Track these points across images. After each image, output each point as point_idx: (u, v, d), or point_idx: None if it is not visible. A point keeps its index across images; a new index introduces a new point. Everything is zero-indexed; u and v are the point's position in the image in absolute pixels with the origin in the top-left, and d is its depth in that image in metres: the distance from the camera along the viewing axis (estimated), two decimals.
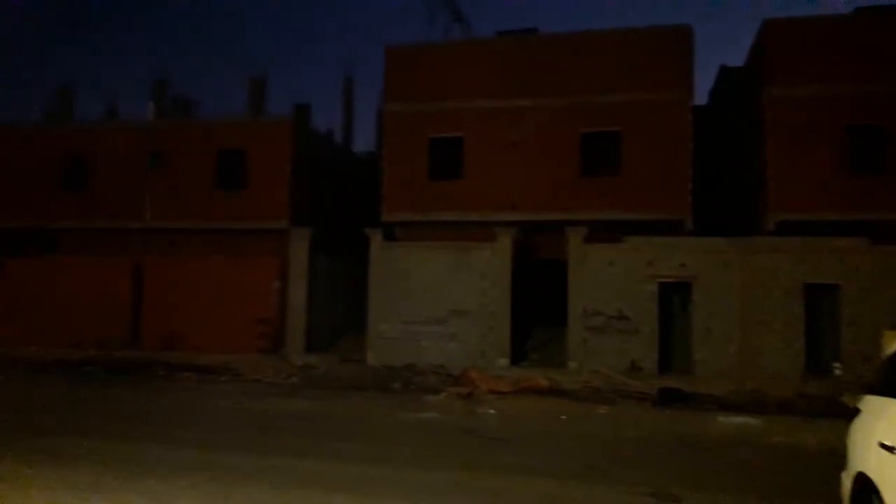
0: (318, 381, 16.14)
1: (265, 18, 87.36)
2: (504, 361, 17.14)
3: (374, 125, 26.43)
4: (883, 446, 4.38)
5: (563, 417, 11.99)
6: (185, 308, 20.00)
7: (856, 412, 5.36)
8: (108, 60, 79.49)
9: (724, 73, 22.89)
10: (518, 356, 17.71)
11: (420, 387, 15.13)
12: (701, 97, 22.67)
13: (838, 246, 15.68)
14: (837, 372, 15.11)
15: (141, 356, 18.72)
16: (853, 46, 17.10)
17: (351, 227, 19.86)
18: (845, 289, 15.53)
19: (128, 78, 73.87)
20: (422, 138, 19.76)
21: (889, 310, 14.99)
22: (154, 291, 20.51)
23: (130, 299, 20.72)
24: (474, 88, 19.50)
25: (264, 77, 24.54)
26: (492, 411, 12.43)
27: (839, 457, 5.50)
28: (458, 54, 20.53)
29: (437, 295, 17.86)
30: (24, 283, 21.36)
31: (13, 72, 75.80)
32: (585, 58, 19.03)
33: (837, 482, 5.38)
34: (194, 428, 10.29)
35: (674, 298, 16.67)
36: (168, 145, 21.60)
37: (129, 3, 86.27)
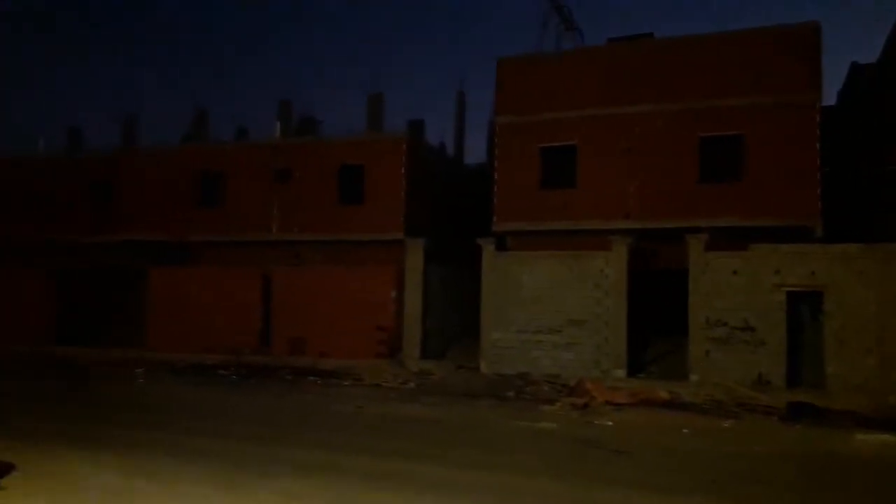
0: (434, 388, 16.52)
1: (380, 34, 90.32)
2: (620, 372, 16.86)
3: (485, 136, 26.80)
4: None
5: (685, 431, 11.66)
6: (310, 315, 21.07)
7: None
8: (239, 84, 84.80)
9: (856, 70, 21.51)
10: (635, 367, 17.36)
11: (534, 396, 15.16)
12: (829, 97, 21.46)
13: None
14: None
15: (269, 361, 19.91)
16: None
17: (463, 237, 20.22)
18: None
19: (257, 99, 78.47)
20: (533, 148, 19.84)
21: None
22: (281, 300, 21.73)
23: (260, 307, 22.05)
24: (586, 96, 19.39)
25: (381, 94, 25.48)
26: (609, 423, 12.26)
27: None
28: (569, 63, 20.48)
29: (549, 304, 17.85)
30: (164, 291, 23.19)
31: (154, 100, 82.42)
32: (703, 61, 18.49)
33: None
34: (319, 430, 10.87)
35: (803, 309, 15.82)
36: (293, 162, 22.85)
37: (256, 31, 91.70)
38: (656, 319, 18.31)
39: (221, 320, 21.94)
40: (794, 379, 15.53)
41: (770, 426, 12.22)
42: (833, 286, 15.31)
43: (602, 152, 19.12)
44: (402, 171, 21.46)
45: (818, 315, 15.54)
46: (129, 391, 15.77)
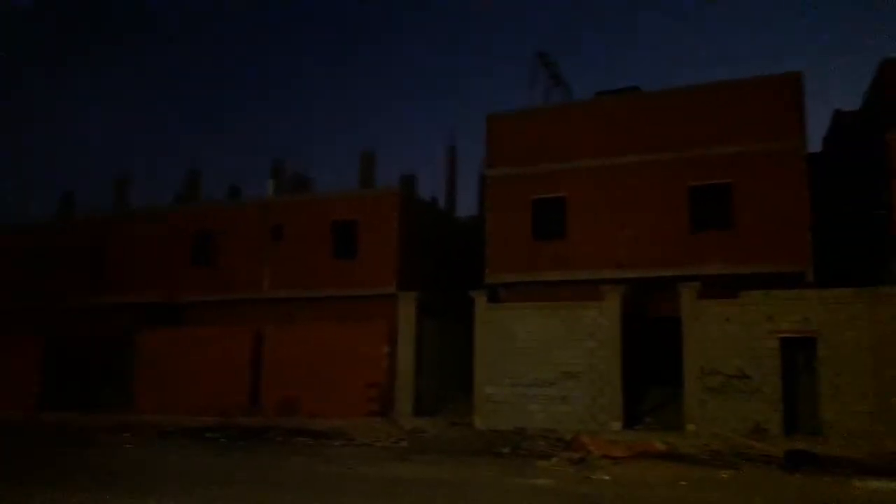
0: (427, 445, 16.20)
1: (372, 93, 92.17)
2: (617, 425, 16.59)
3: (476, 190, 27.04)
4: None
5: (682, 484, 11.41)
6: (301, 373, 20.82)
7: None
8: (232, 143, 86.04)
9: (839, 117, 21.92)
10: (632, 419, 17.11)
11: (530, 451, 14.86)
12: (815, 144, 21.81)
13: None
14: None
15: (260, 422, 19.54)
16: None
17: (456, 290, 20.19)
18: None
19: (249, 158, 79.44)
20: (524, 200, 20.02)
21: None
22: (272, 358, 21.52)
23: (250, 366, 21.79)
24: (576, 149, 19.68)
25: (373, 151, 25.85)
26: (606, 477, 12.00)
27: None
28: (558, 117, 20.88)
29: (544, 356, 17.69)
30: (152, 353, 22.96)
31: (146, 161, 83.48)
32: (690, 112, 18.87)
33: None
34: (307, 493, 10.57)
35: (797, 355, 15.70)
36: (286, 219, 22.98)
37: (249, 92, 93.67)
38: (651, 369, 18.16)
39: (211, 381, 21.67)
40: (791, 426, 15.30)
41: (769, 476, 11.96)
42: (826, 331, 15.23)
43: (593, 203, 19.30)
44: (395, 225, 21.58)
45: (812, 361, 15.41)
46: (109, 456, 15.36)
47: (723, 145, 18.18)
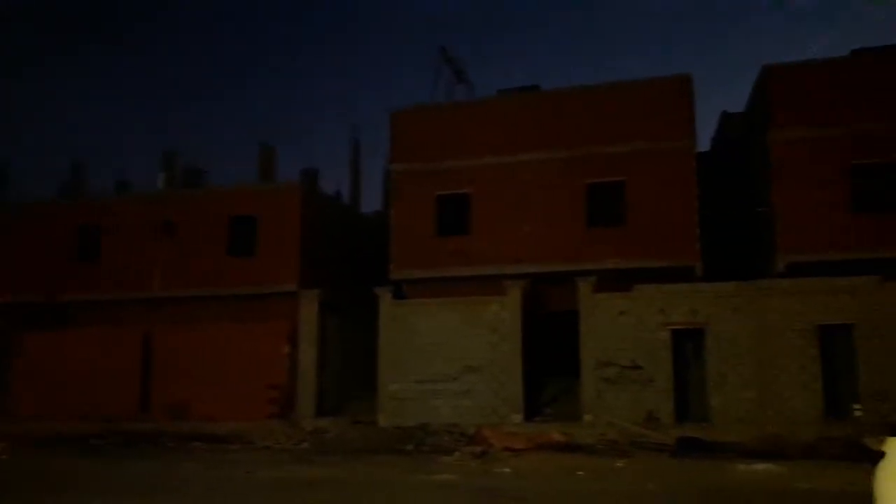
0: (330, 446, 15.93)
1: (273, 86, 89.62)
2: (518, 417, 16.84)
3: (381, 185, 26.81)
4: None
5: (580, 474, 11.70)
6: (195, 376, 19.88)
7: (881, 455, 5.17)
8: (119, 134, 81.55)
9: (726, 118, 23.11)
10: (532, 411, 17.41)
11: (433, 447, 14.88)
12: (704, 144, 22.87)
13: (849, 285, 15.48)
14: (857, 413, 14.72)
15: (150, 428, 18.57)
16: (852, 87, 17.25)
17: (360, 286, 19.91)
18: (859, 328, 15.26)
19: (139, 149, 75.47)
20: (429, 196, 19.97)
21: None
22: (162, 361, 20.47)
23: (139, 370, 20.66)
24: (479, 146, 19.77)
25: (272, 145, 25.09)
26: (507, 470, 12.17)
27: (864, 502, 5.30)
28: (461, 114, 20.92)
29: (447, 352, 17.72)
30: (38, 357, 21.42)
31: (27, 148, 77.87)
32: (588, 111, 19.31)
33: None
34: (197, 500, 10.10)
35: (687, 346, 16.44)
36: (179, 214, 21.90)
37: (138, 78, 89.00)
38: (551, 361, 18.54)
39: (98, 386, 20.37)
40: (682, 414, 15.98)
41: (661, 463, 12.47)
42: (713, 323, 16.00)
43: (496, 199, 19.46)
44: (296, 220, 20.97)
45: (701, 351, 16.17)
46: None
47: (617, 144, 18.74)
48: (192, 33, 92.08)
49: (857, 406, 14.94)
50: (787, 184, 17.08)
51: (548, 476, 11.62)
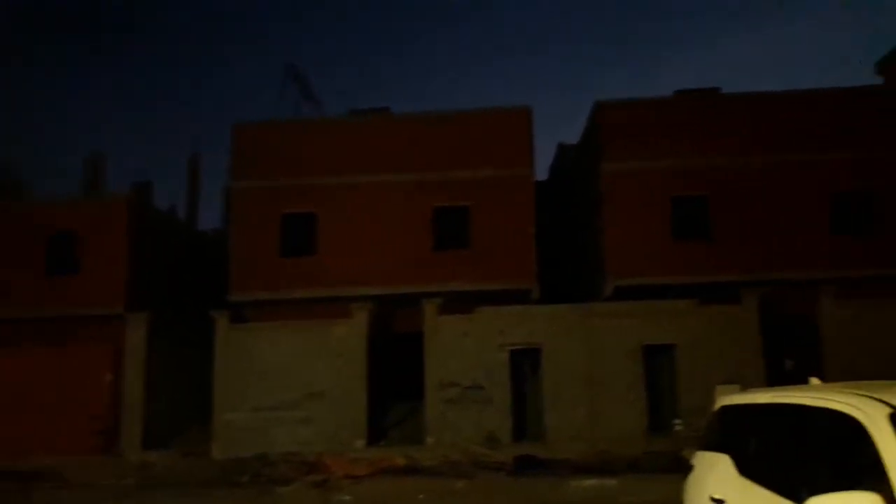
0: (158, 481, 14.78)
1: (106, 104, 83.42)
2: (361, 443, 16.52)
3: (221, 203, 25.66)
4: (713, 500, 4.50)
5: (420, 497, 11.65)
6: (3, 406, 17.77)
7: (691, 468, 5.51)
8: None
9: (562, 150, 24.43)
10: (376, 436, 17.18)
11: (271, 478, 14.23)
12: (543, 173, 24.01)
13: (671, 308, 16.75)
14: (678, 428, 15.86)
15: None
16: (674, 124, 18.83)
17: (197, 309, 18.75)
18: (680, 348, 16.52)
19: None
20: (273, 215, 19.32)
21: (721, 365, 16.02)
22: None
23: None
24: (327, 165, 19.45)
25: (102, 157, 23.26)
26: (347, 497, 11.88)
27: None
28: (309, 132, 20.53)
29: (289, 377, 17.08)
30: None
31: None
32: (436, 137, 19.61)
33: None
34: None
35: (525, 366, 16.99)
36: None
37: None
38: (397, 385, 18.44)
39: None
40: (520, 433, 16.46)
41: (500, 482, 12.71)
42: (548, 344, 16.67)
43: (343, 220, 19.20)
44: (122, 237, 19.44)
45: (537, 371, 16.78)
46: None
47: (462, 170, 19.17)
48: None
49: (677, 421, 16.10)
50: (615, 212, 18.27)
51: (388, 501, 11.46)
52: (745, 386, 13.38)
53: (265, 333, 17.66)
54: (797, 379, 5.22)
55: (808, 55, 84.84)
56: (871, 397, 3.34)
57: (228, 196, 21.46)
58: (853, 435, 3.22)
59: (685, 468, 5.68)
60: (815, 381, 4.76)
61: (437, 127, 19.79)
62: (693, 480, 5.33)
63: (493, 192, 18.96)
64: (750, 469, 4.32)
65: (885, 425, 3.07)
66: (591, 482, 12.02)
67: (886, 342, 15.51)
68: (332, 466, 13.81)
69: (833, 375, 14.01)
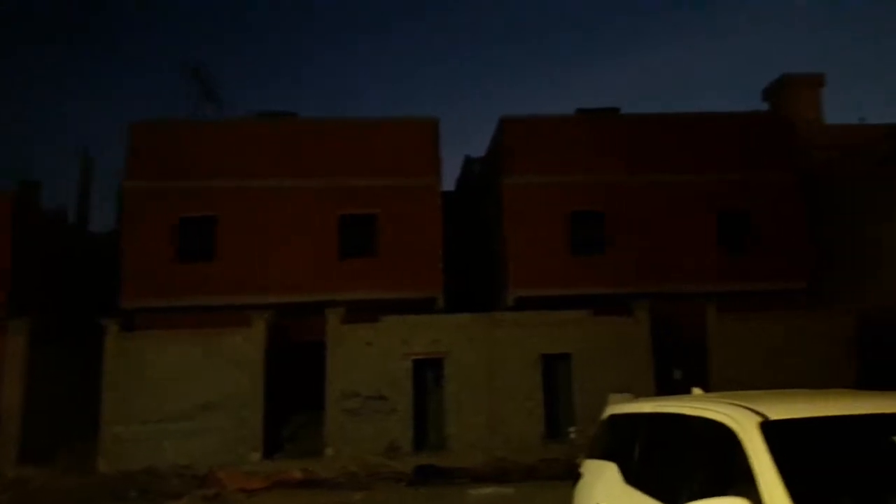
0: (35, 498, 13.82)
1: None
2: (257, 456, 16.01)
3: (116, 205, 24.33)
4: None
5: None
6: None
7: (579, 475, 5.69)
8: None
9: (468, 162, 24.79)
10: (273, 448, 16.74)
11: (160, 493, 13.59)
12: (450, 184, 24.26)
13: (567, 318, 17.25)
14: (572, 436, 16.30)
15: None
16: (574, 141, 19.50)
17: (85, 315, 17.70)
18: (576, 357, 17.04)
19: None
20: (169, 218, 18.57)
21: (613, 375, 16.61)
22: None
23: None
24: (229, 168, 18.91)
25: None
26: None
27: None
28: (211, 133, 19.92)
29: (183, 388, 16.37)
30: None
31: None
32: (343, 143, 19.45)
33: None
34: None
35: (428, 375, 17.05)
36: None
37: None
38: (297, 395, 18.05)
39: None
40: (421, 442, 16.48)
41: (398, 492, 12.68)
42: (451, 353, 16.80)
43: (245, 225, 18.71)
44: (7, 238, 18.12)
45: (441, 380, 16.88)
46: None
47: (369, 178, 19.11)
48: None
49: (572, 429, 16.56)
50: (517, 225, 18.73)
51: None
52: (637, 395, 13.95)
53: (158, 342, 16.89)
54: (684, 389, 5.46)
55: (714, 78, 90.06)
56: (743, 407, 3.56)
57: (121, 197, 20.44)
58: (727, 443, 3.42)
59: (576, 476, 5.85)
60: (697, 391, 5.04)
61: (345, 133, 19.65)
62: (581, 488, 5.52)
63: (400, 201, 18.99)
64: (634, 477, 4.50)
65: (755, 434, 3.27)
66: (488, 490, 12.19)
67: (764, 353, 16.61)
68: (225, 480, 13.36)
69: (718, 385, 14.87)
